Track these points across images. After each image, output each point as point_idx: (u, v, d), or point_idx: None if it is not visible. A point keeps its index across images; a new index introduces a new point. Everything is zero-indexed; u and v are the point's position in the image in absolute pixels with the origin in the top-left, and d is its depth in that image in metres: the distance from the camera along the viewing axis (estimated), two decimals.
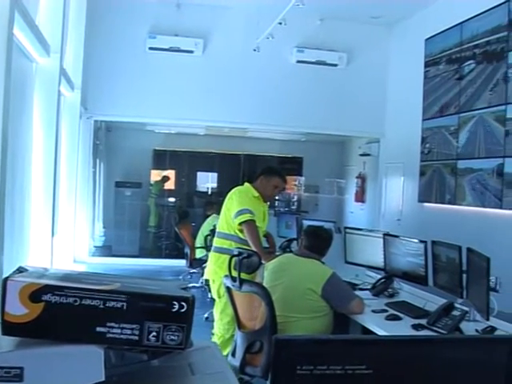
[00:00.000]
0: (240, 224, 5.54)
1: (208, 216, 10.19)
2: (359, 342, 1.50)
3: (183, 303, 1.54)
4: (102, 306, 1.52)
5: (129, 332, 1.53)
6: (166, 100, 11.53)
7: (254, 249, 5.27)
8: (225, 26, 11.68)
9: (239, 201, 5.65)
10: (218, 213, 6.20)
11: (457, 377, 1.52)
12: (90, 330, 1.53)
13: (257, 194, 5.74)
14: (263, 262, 4.92)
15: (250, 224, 5.51)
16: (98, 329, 1.53)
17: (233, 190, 5.88)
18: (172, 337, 1.53)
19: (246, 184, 5.89)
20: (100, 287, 1.54)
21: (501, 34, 8.88)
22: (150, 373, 1.66)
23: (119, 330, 1.53)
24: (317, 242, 4.74)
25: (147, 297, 1.54)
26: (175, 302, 1.53)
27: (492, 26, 9.09)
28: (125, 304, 1.53)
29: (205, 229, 9.76)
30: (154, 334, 1.53)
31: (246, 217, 5.51)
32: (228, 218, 5.68)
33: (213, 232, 7.88)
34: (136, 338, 1.53)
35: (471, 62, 9.64)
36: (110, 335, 1.53)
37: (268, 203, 6.15)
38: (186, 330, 1.54)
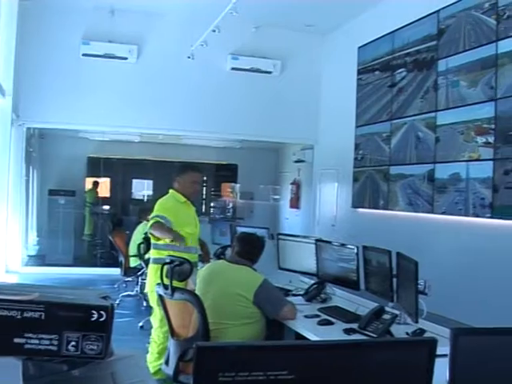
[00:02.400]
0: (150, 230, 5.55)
1: (139, 223, 10.09)
2: (280, 348, 1.50)
3: (102, 312, 1.51)
4: (19, 317, 1.49)
5: (47, 342, 1.50)
6: (100, 107, 11.40)
7: (166, 239, 5.28)
8: (159, 33, 11.62)
9: (156, 209, 5.66)
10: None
11: (380, 379, 1.53)
12: (7, 341, 1.49)
13: (183, 199, 5.73)
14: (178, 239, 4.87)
15: (154, 225, 5.49)
16: (16, 340, 1.49)
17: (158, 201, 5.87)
18: (91, 346, 1.51)
19: (170, 191, 5.87)
20: (17, 297, 1.51)
21: (431, 43, 9.08)
22: (71, 383, 1.64)
23: (37, 341, 1.50)
24: (248, 249, 4.74)
25: (65, 306, 1.51)
26: (94, 312, 1.51)
27: (422, 35, 9.29)
28: (43, 314, 1.49)
29: (136, 237, 9.65)
30: (73, 343, 1.50)
31: (152, 221, 5.51)
32: None
33: (146, 240, 7.83)
34: (55, 348, 1.50)
35: (403, 69, 9.82)
36: (28, 346, 1.50)
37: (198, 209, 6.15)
38: (105, 339, 1.52)
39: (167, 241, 5.55)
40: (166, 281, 4.37)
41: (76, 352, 1.51)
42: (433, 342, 1.61)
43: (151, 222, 5.56)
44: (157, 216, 5.56)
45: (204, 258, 6.85)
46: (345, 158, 11.28)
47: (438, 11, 8.91)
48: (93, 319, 1.50)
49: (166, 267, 4.51)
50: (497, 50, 7.71)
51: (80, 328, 1.50)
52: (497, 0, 7.76)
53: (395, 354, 1.60)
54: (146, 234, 7.28)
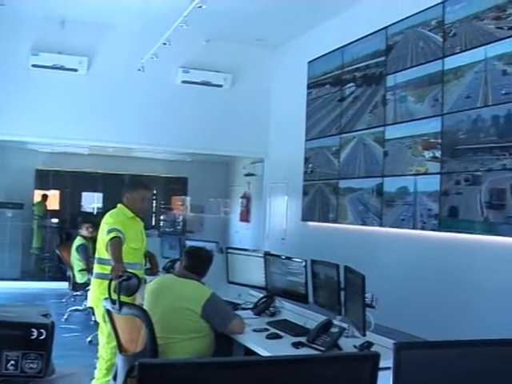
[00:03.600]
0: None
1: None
2: (223, 365, 1.50)
3: (42, 330, 1.49)
4: None
5: None
6: (50, 118, 11.25)
7: (112, 262, 5.23)
8: (109, 45, 11.55)
9: (109, 222, 5.60)
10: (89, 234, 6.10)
11: None
12: None
13: (131, 215, 5.70)
14: (115, 275, 4.82)
15: (114, 240, 5.44)
16: None
17: (106, 214, 5.82)
18: (31, 365, 1.49)
19: (119, 205, 5.83)
20: None
21: (379, 59, 9.20)
22: None
23: None
24: (196, 263, 4.73)
25: (4, 325, 1.49)
26: (34, 330, 1.49)
27: (371, 51, 9.41)
28: None
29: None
30: (13, 362, 1.48)
31: (112, 234, 5.45)
32: (103, 243, 5.60)
33: None
34: None
35: (352, 84, 9.93)
36: None
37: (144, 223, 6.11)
38: (45, 357, 1.50)
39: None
40: (114, 296, 4.34)
41: (15, 371, 1.48)
42: (375, 357, 1.63)
43: (112, 235, 5.48)
44: (118, 230, 5.50)
45: (152, 271, 6.82)
46: (295, 171, 11.33)
47: (386, 27, 9.04)
48: (32, 337, 1.48)
49: (113, 282, 4.48)
50: (443, 67, 7.86)
51: (19, 346, 1.47)
52: (443, 18, 7.91)
53: (339, 368, 1.61)
54: None
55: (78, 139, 11.85)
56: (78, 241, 9.67)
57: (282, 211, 11.99)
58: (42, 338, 1.48)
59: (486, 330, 6.35)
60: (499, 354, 2.01)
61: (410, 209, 8.27)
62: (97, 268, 5.74)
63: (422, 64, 8.26)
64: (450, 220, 7.54)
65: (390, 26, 8.98)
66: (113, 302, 4.31)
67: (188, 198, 15.60)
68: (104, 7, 10.38)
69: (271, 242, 12.14)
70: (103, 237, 5.57)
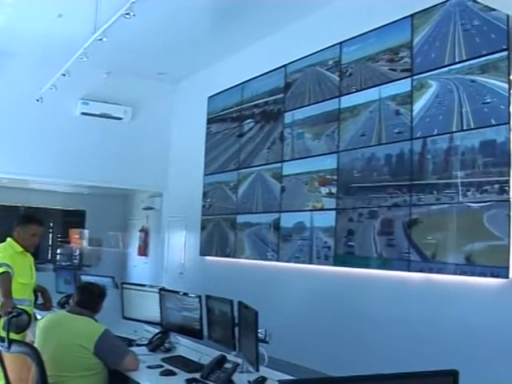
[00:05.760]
0: None
1: None
2: None
3: None
4: None
5: None
6: None
7: (1, 298, 5.10)
8: (7, 74, 11.27)
9: (1, 256, 5.47)
10: None
11: None
12: None
13: (20, 249, 5.60)
14: (4, 312, 4.71)
15: (2, 275, 5.32)
16: None
17: None
18: None
19: (8, 239, 5.72)
20: None
21: (278, 96, 9.37)
22: None
23: None
24: (88, 298, 4.66)
25: None
26: None
27: (270, 88, 9.57)
28: None
29: None
30: None
31: (1, 269, 5.33)
32: None
33: None
34: None
35: (251, 120, 10.06)
36: None
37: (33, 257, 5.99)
38: None
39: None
40: (3, 333, 4.22)
41: None
42: None
43: (0, 270, 5.35)
44: (6, 265, 5.37)
45: (46, 306, 6.68)
46: (193, 205, 11.33)
47: (285, 65, 9.23)
48: None
49: (2, 319, 4.36)
50: (340, 105, 8.06)
51: None
52: (340, 58, 8.15)
53: None
54: None
55: None
56: None
57: (180, 245, 11.95)
58: None
59: (381, 362, 6.53)
60: None
61: (306, 244, 8.38)
62: None
63: (320, 102, 8.45)
64: (345, 255, 7.69)
65: (289, 64, 9.16)
66: (1, 339, 4.18)
67: (86, 231, 15.32)
68: (2, 34, 10.17)
69: (169, 276, 12.06)
70: None
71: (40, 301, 6.66)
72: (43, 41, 9.92)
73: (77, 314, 4.53)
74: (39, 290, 6.30)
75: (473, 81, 6.24)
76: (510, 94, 5.86)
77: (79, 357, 4.26)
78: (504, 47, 5.94)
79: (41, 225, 5.98)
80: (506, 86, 5.89)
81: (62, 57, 8.95)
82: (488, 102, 6.05)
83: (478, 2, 5.66)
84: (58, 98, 10.64)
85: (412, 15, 7.05)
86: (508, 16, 5.76)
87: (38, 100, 10.46)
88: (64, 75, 9.26)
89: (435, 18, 6.76)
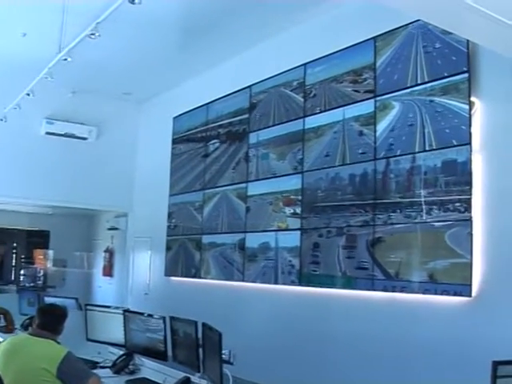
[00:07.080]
0: None
1: None
2: None
3: None
4: None
5: None
6: None
7: None
8: None
9: None
10: None
11: None
12: None
13: None
14: None
15: None
16: None
17: None
18: None
19: None
20: None
21: (243, 116, 9.42)
22: None
23: None
24: (49, 320, 4.57)
25: None
26: None
27: (235, 108, 9.62)
28: None
29: None
30: None
31: None
32: None
33: None
34: None
35: (216, 141, 10.08)
36: None
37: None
38: None
39: None
40: None
41: None
42: None
43: None
44: None
45: (8, 329, 6.59)
46: (158, 226, 11.31)
47: (250, 86, 9.28)
48: None
49: None
50: (304, 126, 8.13)
51: None
52: (304, 79, 8.22)
53: None
54: None
55: None
56: None
57: (145, 266, 11.89)
58: None
59: (345, 381, 6.56)
60: None
61: (271, 264, 8.39)
62: None
63: (284, 123, 8.51)
64: (310, 275, 7.71)
65: (253, 84, 9.22)
66: None
67: (50, 252, 15.17)
68: None
69: (134, 297, 11.99)
70: None
71: (2, 323, 6.58)
72: (7, 60, 9.84)
73: (39, 336, 4.45)
74: (1, 313, 6.23)
75: (435, 102, 6.34)
76: (470, 115, 5.96)
77: (42, 380, 4.17)
78: (465, 69, 6.06)
79: (1, 243, 5.92)
80: (467, 107, 6.00)
81: (26, 76, 8.88)
82: (449, 123, 6.15)
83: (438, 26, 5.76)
84: (23, 117, 10.55)
85: (375, 37, 7.16)
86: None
87: (1, 119, 10.37)
88: (28, 95, 9.19)
89: (398, 40, 6.87)
